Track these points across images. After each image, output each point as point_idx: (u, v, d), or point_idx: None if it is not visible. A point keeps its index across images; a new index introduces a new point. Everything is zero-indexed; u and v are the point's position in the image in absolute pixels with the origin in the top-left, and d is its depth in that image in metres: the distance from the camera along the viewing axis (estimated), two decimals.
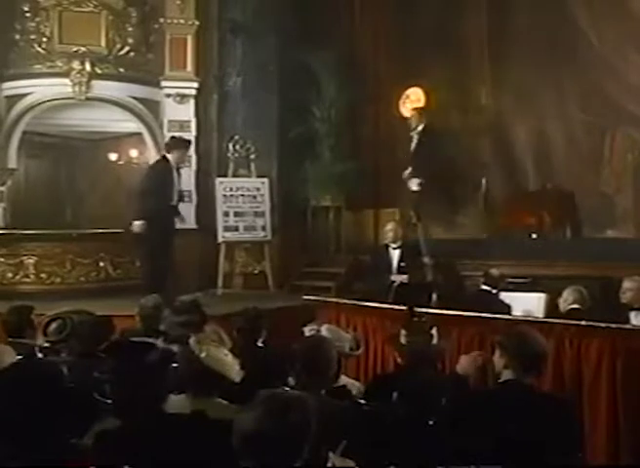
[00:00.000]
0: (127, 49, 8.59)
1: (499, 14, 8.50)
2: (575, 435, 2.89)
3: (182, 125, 8.73)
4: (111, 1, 8.49)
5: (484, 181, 8.50)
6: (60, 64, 8.31)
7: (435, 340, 3.57)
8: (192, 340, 2.75)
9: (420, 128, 7.56)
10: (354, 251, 8.40)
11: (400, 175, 7.96)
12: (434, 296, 6.00)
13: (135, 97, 8.66)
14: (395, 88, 8.78)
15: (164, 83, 8.77)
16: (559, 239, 7.76)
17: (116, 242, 7.85)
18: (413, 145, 7.60)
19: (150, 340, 3.66)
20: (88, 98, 8.40)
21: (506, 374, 2.93)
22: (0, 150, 8.35)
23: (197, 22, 8.76)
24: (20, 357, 3.10)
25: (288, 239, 8.70)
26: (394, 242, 6.81)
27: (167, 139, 7.30)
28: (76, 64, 8.26)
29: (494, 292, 6.10)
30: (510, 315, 5.33)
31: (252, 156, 8.64)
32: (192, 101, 8.84)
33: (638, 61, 7.44)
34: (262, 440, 1.78)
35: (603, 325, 4.01)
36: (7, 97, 8.39)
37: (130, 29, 8.61)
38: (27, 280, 7.55)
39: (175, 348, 3.11)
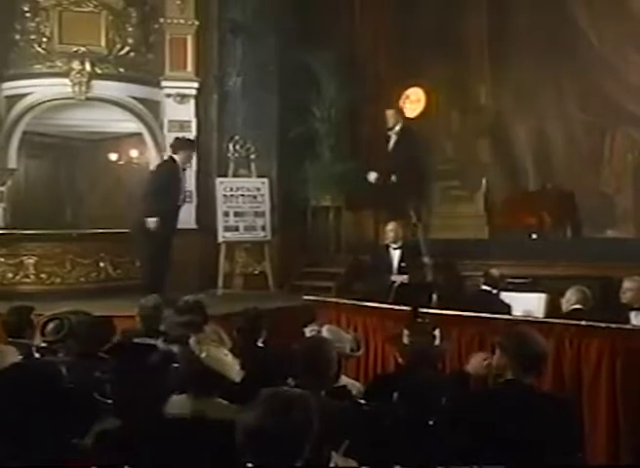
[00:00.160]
0: (127, 49, 8.59)
1: (499, 14, 8.51)
2: (575, 435, 2.89)
3: (183, 125, 8.73)
4: (111, 1, 8.48)
5: (484, 181, 8.50)
6: (59, 64, 8.31)
7: (437, 341, 3.57)
8: (192, 340, 2.76)
9: (397, 127, 7.81)
10: (354, 251, 8.40)
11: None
12: (434, 297, 5.99)
13: (135, 98, 8.66)
14: (395, 88, 8.79)
15: (164, 83, 8.76)
16: (559, 239, 7.76)
17: (116, 242, 7.86)
18: (391, 144, 7.85)
19: (151, 341, 3.67)
20: (88, 99, 8.39)
21: (506, 374, 2.93)
22: (0, 150, 8.35)
23: (197, 22, 8.75)
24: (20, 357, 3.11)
25: (288, 239, 8.70)
26: (395, 242, 6.81)
27: (172, 140, 7.27)
28: (76, 64, 8.25)
29: (494, 292, 6.09)
30: (510, 315, 5.33)
31: (252, 156, 8.63)
32: (192, 101, 8.83)
33: (638, 61, 7.45)
34: (265, 437, 1.78)
35: (603, 325, 4.01)
36: (7, 97, 8.38)
37: (130, 29, 8.61)
38: (27, 280, 7.54)
39: (175, 349, 3.11)
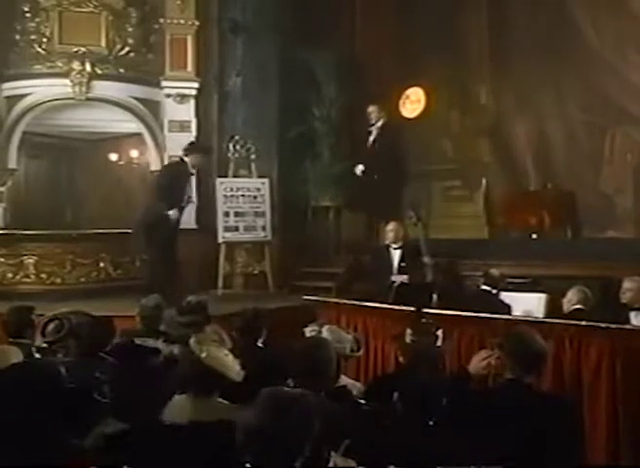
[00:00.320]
0: (127, 49, 8.59)
1: (499, 14, 8.50)
2: (575, 435, 2.89)
3: (183, 125, 8.74)
4: (111, 1, 8.49)
5: (484, 181, 8.50)
6: (60, 65, 8.32)
7: (440, 342, 3.58)
8: (192, 341, 2.76)
9: (379, 123, 8.11)
10: (354, 251, 8.39)
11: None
12: (434, 297, 5.99)
13: (135, 98, 8.66)
14: (395, 88, 8.79)
15: (164, 83, 8.77)
16: (559, 239, 7.76)
17: (116, 242, 7.86)
18: (371, 139, 8.17)
19: (151, 340, 3.67)
20: (88, 99, 8.40)
21: (506, 374, 2.93)
22: (0, 150, 8.36)
23: (197, 22, 8.76)
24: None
25: (288, 239, 8.70)
26: (395, 242, 6.81)
27: (187, 144, 7.40)
28: (76, 65, 8.26)
29: (494, 292, 6.09)
30: (510, 315, 5.33)
31: (252, 156, 8.63)
32: (192, 102, 8.84)
33: (638, 61, 7.44)
34: (264, 437, 1.78)
35: (603, 325, 4.01)
36: (7, 97, 8.39)
37: (130, 29, 8.62)
38: (27, 280, 7.55)
39: (175, 349, 3.12)
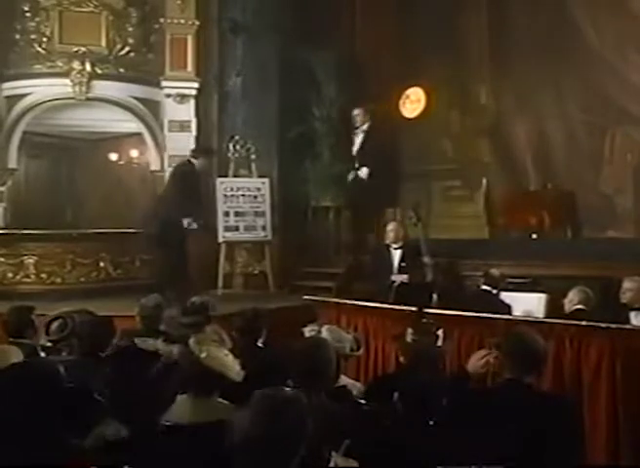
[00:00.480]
0: (127, 49, 8.59)
1: (499, 14, 8.50)
2: (575, 435, 2.89)
3: (183, 125, 8.74)
4: (112, 1, 8.49)
5: (484, 181, 8.50)
6: (60, 64, 8.32)
7: (440, 342, 3.58)
8: (192, 341, 2.75)
9: (365, 126, 8.34)
10: (354, 251, 8.40)
11: (400, 175, 8.13)
12: (434, 297, 6.00)
13: (135, 98, 8.66)
14: (395, 88, 8.79)
15: (164, 83, 8.77)
16: (559, 239, 7.75)
17: (116, 242, 7.87)
18: (358, 141, 8.39)
19: (151, 341, 3.68)
20: (88, 99, 8.40)
21: (505, 374, 2.93)
22: (0, 150, 8.36)
23: (197, 22, 8.76)
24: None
25: (288, 239, 8.70)
26: (395, 242, 6.82)
27: (194, 147, 7.56)
28: (76, 64, 8.27)
29: (494, 292, 6.10)
30: (510, 315, 5.33)
31: (252, 156, 8.63)
32: (192, 101, 8.84)
33: (638, 61, 7.44)
34: (257, 440, 1.77)
35: (603, 325, 4.01)
36: (7, 97, 8.39)
37: (130, 29, 8.62)
38: (27, 280, 7.55)
39: (175, 349, 3.12)
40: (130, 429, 2.14)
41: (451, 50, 8.63)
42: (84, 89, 8.30)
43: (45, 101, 8.40)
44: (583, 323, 4.09)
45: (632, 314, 4.95)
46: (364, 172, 8.16)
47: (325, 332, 3.60)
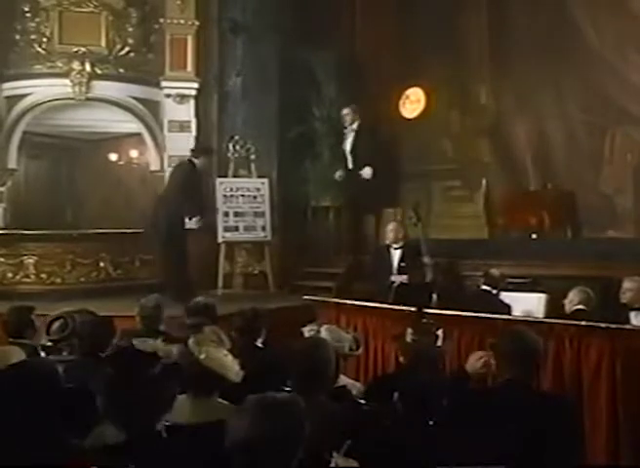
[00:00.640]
0: (127, 49, 8.59)
1: (499, 14, 8.50)
2: (575, 435, 2.89)
3: (182, 125, 8.74)
4: (111, 1, 8.49)
5: (484, 181, 8.50)
6: (60, 65, 8.31)
7: (440, 342, 3.58)
8: (191, 341, 2.75)
9: (354, 125, 8.37)
10: (354, 251, 8.40)
11: (400, 176, 8.15)
12: (434, 297, 6.00)
13: (135, 98, 8.66)
14: (395, 88, 8.79)
15: (164, 83, 8.76)
16: (559, 239, 7.75)
17: (116, 242, 7.87)
18: (349, 141, 8.42)
19: (151, 341, 3.67)
20: (88, 99, 8.40)
21: (504, 374, 2.93)
22: (0, 150, 8.36)
23: (197, 22, 8.75)
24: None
25: (288, 239, 8.70)
26: (395, 242, 6.82)
27: (194, 146, 7.58)
28: (76, 65, 8.26)
29: (494, 292, 6.10)
30: (510, 315, 5.33)
31: (252, 156, 8.63)
32: (192, 102, 8.83)
33: (638, 61, 7.43)
34: (253, 444, 1.76)
35: (603, 325, 4.01)
36: (7, 97, 8.39)
37: (130, 29, 8.61)
38: (27, 280, 7.55)
39: (174, 349, 3.11)
40: (128, 432, 2.12)
41: (451, 50, 8.62)
42: (84, 89, 8.30)
43: (45, 102, 8.40)
44: (583, 323, 4.09)
45: (632, 314, 4.95)
46: (367, 172, 8.14)
47: (324, 332, 3.60)
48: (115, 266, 7.91)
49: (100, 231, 8.07)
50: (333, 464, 2.06)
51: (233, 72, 8.90)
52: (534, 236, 7.80)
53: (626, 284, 5.13)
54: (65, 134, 9.73)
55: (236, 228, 8.37)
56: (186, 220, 7.23)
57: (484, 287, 6.19)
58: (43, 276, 7.58)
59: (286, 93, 8.83)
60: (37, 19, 8.30)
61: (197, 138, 8.65)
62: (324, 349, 2.86)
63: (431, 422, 2.63)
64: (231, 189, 8.45)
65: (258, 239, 8.47)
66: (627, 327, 4.34)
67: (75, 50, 8.29)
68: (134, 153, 9.84)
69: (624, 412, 3.85)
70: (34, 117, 8.48)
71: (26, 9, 8.29)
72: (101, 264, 7.83)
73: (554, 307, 5.60)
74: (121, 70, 8.55)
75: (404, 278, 6.62)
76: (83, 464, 1.97)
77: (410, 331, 3.58)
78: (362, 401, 3.10)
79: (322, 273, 8.29)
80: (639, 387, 3.84)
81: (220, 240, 8.29)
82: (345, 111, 8.46)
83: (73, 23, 8.37)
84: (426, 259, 6.35)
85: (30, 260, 7.54)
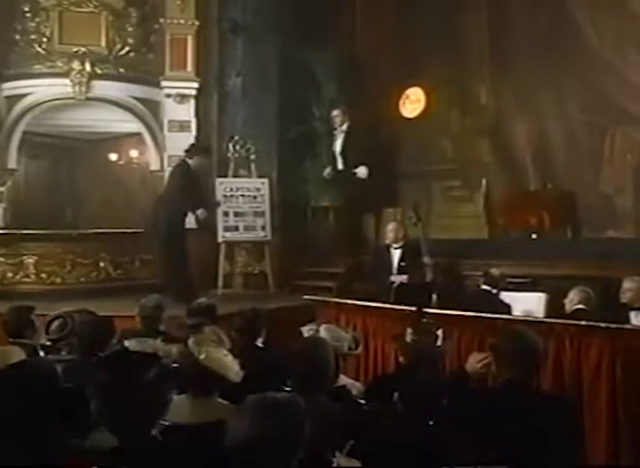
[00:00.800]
0: (127, 49, 8.59)
1: (499, 14, 8.50)
2: (575, 435, 2.89)
3: (183, 125, 8.73)
4: (111, 1, 8.48)
5: (484, 181, 8.50)
6: (60, 65, 8.31)
7: (440, 342, 3.58)
8: (191, 341, 2.75)
9: (344, 126, 8.39)
10: (354, 251, 8.39)
11: (400, 176, 8.16)
12: (434, 297, 6.00)
13: (135, 98, 8.66)
14: (395, 88, 8.79)
15: (164, 83, 8.76)
16: (559, 239, 7.75)
17: (116, 242, 7.87)
18: (339, 142, 8.44)
19: (151, 341, 3.67)
20: (88, 99, 8.39)
21: (503, 374, 2.93)
22: (0, 150, 8.35)
23: (197, 22, 8.75)
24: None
25: (288, 239, 8.69)
26: (395, 242, 6.82)
27: (189, 145, 7.50)
28: (76, 65, 8.26)
29: (494, 291, 6.10)
30: (510, 315, 5.33)
31: (252, 156, 8.63)
32: (192, 102, 8.83)
33: (638, 61, 7.44)
34: (252, 445, 1.76)
35: (603, 325, 4.01)
36: (7, 97, 8.39)
37: (130, 29, 8.61)
38: (27, 280, 7.55)
39: (174, 349, 3.12)
40: (121, 436, 2.11)
41: (451, 50, 8.63)
42: (84, 89, 8.30)
43: (45, 101, 8.40)
44: (583, 323, 4.09)
45: (632, 314, 4.95)
46: (362, 171, 8.13)
47: (323, 332, 3.60)
48: (115, 266, 7.91)
49: (100, 231, 8.07)
50: (335, 464, 2.05)
51: (233, 72, 8.90)
52: (534, 236, 7.80)
53: (626, 284, 5.13)
54: (65, 134, 9.72)
55: (236, 228, 8.38)
56: (188, 219, 7.22)
57: (484, 287, 6.19)
58: (43, 276, 7.58)
59: (286, 93, 8.83)
60: (37, 19, 8.30)
61: (197, 138, 8.64)
62: (324, 349, 2.86)
63: (431, 422, 2.63)
64: (231, 189, 8.45)
65: (258, 239, 8.47)
66: (627, 327, 4.34)
67: (75, 50, 8.28)
68: (134, 153, 9.84)
69: (624, 412, 3.84)
70: (34, 117, 8.48)
71: (26, 9, 8.29)
72: (101, 264, 7.83)
73: (554, 307, 5.60)
74: (121, 70, 8.55)
75: (404, 278, 6.62)
76: (83, 464, 1.96)
77: (410, 330, 3.58)
78: (362, 401, 3.10)
79: (322, 273, 8.29)
80: (639, 387, 3.84)
81: (219, 240, 8.29)
82: (335, 113, 8.47)
83: (73, 23, 8.36)
84: (426, 259, 6.35)
85: (30, 260, 7.54)
